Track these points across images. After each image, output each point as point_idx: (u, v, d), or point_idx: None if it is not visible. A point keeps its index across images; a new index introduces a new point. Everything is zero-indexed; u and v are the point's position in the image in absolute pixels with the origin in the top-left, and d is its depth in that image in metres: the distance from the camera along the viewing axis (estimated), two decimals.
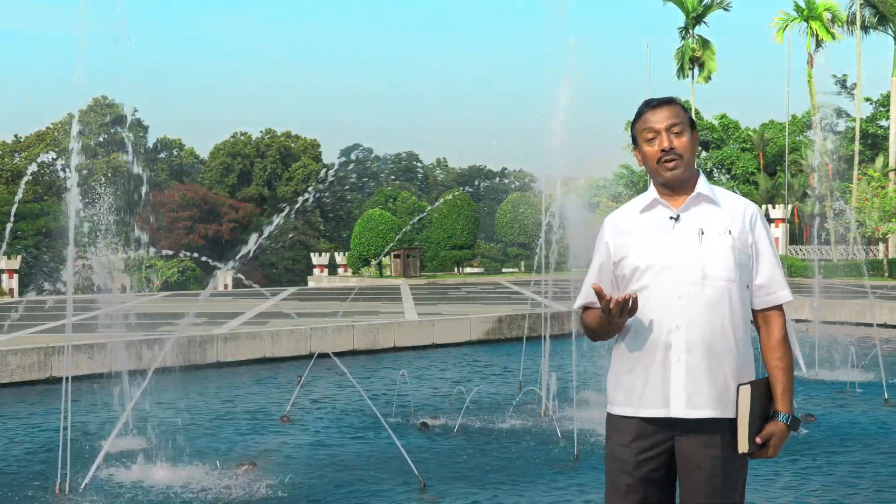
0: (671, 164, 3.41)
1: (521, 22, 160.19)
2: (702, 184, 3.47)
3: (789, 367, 3.46)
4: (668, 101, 3.48)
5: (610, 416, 3.53)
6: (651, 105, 3.48)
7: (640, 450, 3.41)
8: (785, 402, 3.42)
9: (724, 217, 3.44)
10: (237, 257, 7.91)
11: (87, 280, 9.05)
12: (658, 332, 3.37)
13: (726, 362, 3.37)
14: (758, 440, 3.36)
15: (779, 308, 3.52)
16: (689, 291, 3.36)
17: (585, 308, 3.57)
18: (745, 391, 3.35)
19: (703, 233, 3.40)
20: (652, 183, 3.54)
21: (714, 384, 3.35)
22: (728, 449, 3.37)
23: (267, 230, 8.09)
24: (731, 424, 3.37)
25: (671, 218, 3.44)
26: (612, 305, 3.27)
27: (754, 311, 3.50)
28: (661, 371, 3.37)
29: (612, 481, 3.50)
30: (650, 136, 3.44)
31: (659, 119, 3.43)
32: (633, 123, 3.54)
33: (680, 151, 3.42)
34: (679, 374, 3.35)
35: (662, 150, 3.41)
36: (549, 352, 10.15)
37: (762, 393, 3.40)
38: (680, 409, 3.35)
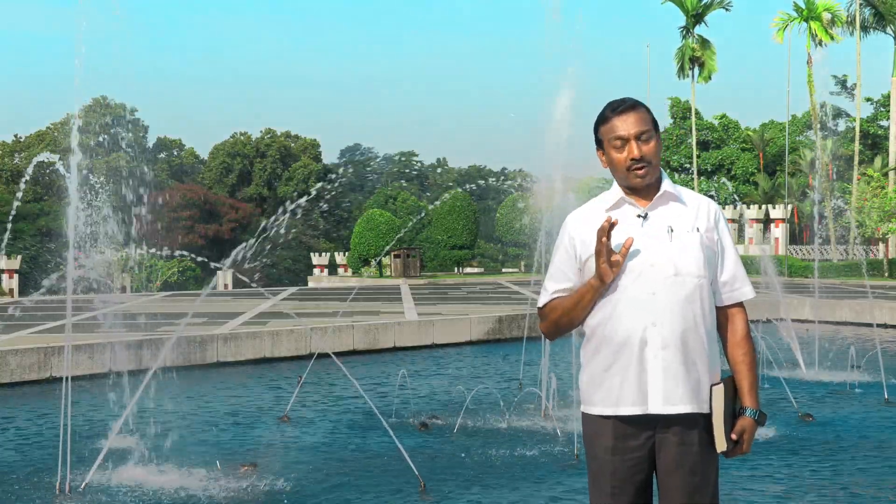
0: (641, 172, 3.43)
1: (522, 21, 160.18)
2: (667, 183, 3.51)
3: (754, 363, 3.52)
4: (634, 106, 3.47)
5: (587, 417, 3.52)
6: (617, 111, 3.46)
7: (623, 454, 3.43)
8: (751, 397, 3.47)
9: (690, 215, 3.47)
10: (232, 255, 7.93)
11: (85, 280, 9.05)
12: (633, 330, 3.38)
13: (699, 357, 3.40)
14: (733, 437, 3.41)
15: (741, 305, 3.56)
16: (661, 288, 3.38)
17: (547, 305, 3.55)
18: (719, 391, 3.40)
19: (671, 230, 3.43)
20: (616, 182, 3.54)
21: (689, 380, 3.38)
22: (704, 446, 3.42)
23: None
24: (705, 420, 3.41)
25: (639, 216, 3.46)
26: (608, 224, 3.30)
27: (718, 308, 3.52)
28: (638, 368, 3.38)
29: (595, 484, 3.52)
30: (618, 143, 3.45)
31: (627, 126, 3.43)
32: (598, 126, 3.52)
33: (649, 158, 3.44)
34: (656, 371, 3.37)
35: (632, 160, 3.42)
36: (549, 352, 10.15)
37: (730, 390, 3.46)
38: (658, 405, 3.38)
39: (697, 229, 3.45)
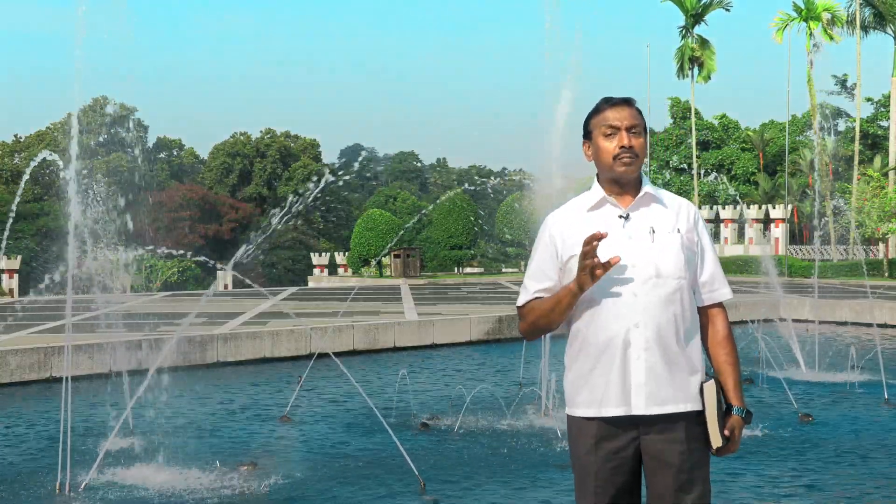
0: (628, 161, 3.45)
1: (522, 22, 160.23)
2: (647, 184, 3.53)
3: (737, 362, 3.53)
4: (629, 102, 3.52)
5: (571, 419, 3.53)
6: (612, 103, 3.51)
7: (607, 456, 3.43)
8: (737, 395, 3.49)
9: (671, 216, 3.49)
10: (235, 257, 7.93)
11: (86, 280, 9.05)
12: (616, 331, 3.39)
13: (682, 358, 3.41)
14: (726, 433, 3.43)
15: (721, 305, 3.58)
16: (644, 289, 3.38)
17: (526, 304, 3.54)
18: (711, 387, 3.42)
19: (653, 231, 3.44)
20: (597, 181, 3.55)
21: (672, 380, 3.39)
22: (692, 442, 3.42)
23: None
24: (692, 417, 3.42)
25: (621, 217, 3.47)
26: (594, 238, 3.24)
27: (698, 309, 3.54)
28: (622, 369, 3.39)
29: (580, 487, 3.51)
30: (609, 132, 3.47)
31: (620, 117, 3.47)
32: (590, 118, 3.56)
33: (637, 151, 3.46)
34: (639, 372, 3.38)
35: (622, 148, 3.45)
36: (549, 352, 10.15)
37: (718, 389, 3.48)
38: (641, 406, 3.38)
39: (678, 230, 3.46)
